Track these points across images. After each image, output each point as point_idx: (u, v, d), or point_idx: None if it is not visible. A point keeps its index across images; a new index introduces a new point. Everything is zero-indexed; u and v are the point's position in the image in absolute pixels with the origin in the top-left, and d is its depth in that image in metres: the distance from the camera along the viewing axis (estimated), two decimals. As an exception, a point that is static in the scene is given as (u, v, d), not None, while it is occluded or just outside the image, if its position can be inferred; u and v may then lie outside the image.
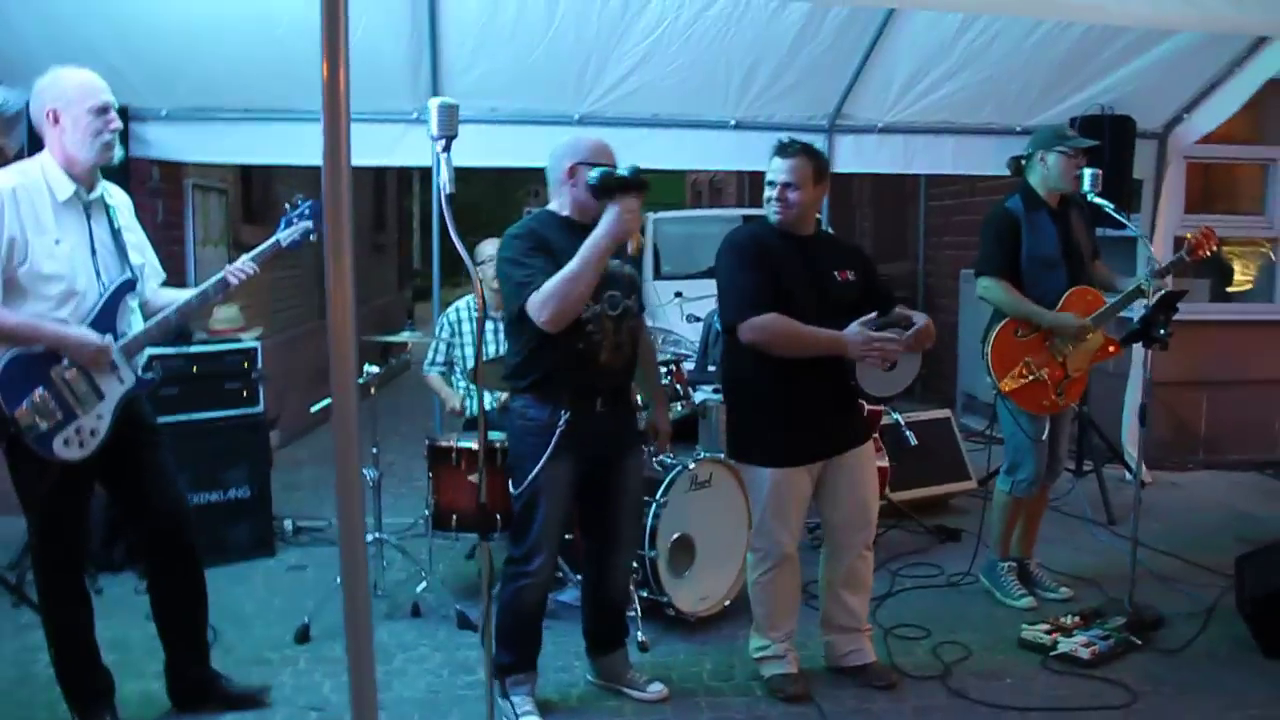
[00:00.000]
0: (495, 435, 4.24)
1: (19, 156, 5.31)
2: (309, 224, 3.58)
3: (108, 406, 3.23)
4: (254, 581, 4.91)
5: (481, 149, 5.86)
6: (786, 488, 3.65)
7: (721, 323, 3.68)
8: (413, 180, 15.90)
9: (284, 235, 3.54)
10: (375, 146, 5.74)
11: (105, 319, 3.23)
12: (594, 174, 3.28)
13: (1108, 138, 5.76)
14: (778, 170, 3.65)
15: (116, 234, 3.32)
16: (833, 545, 3.86)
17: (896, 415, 5.72)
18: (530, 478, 3.36)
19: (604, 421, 3.49)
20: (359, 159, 6.17)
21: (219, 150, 5.73)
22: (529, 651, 3.64)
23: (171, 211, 6.12)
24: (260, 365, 5.20)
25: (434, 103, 2.77)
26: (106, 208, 3.34)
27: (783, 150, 3.67)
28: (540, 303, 3.24)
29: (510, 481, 3.49)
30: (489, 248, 5.02)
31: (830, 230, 6.01)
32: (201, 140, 5.63)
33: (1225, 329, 7.03)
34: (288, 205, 3.61)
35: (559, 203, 3.52)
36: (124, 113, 5.42)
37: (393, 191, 14.34)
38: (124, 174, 5.50)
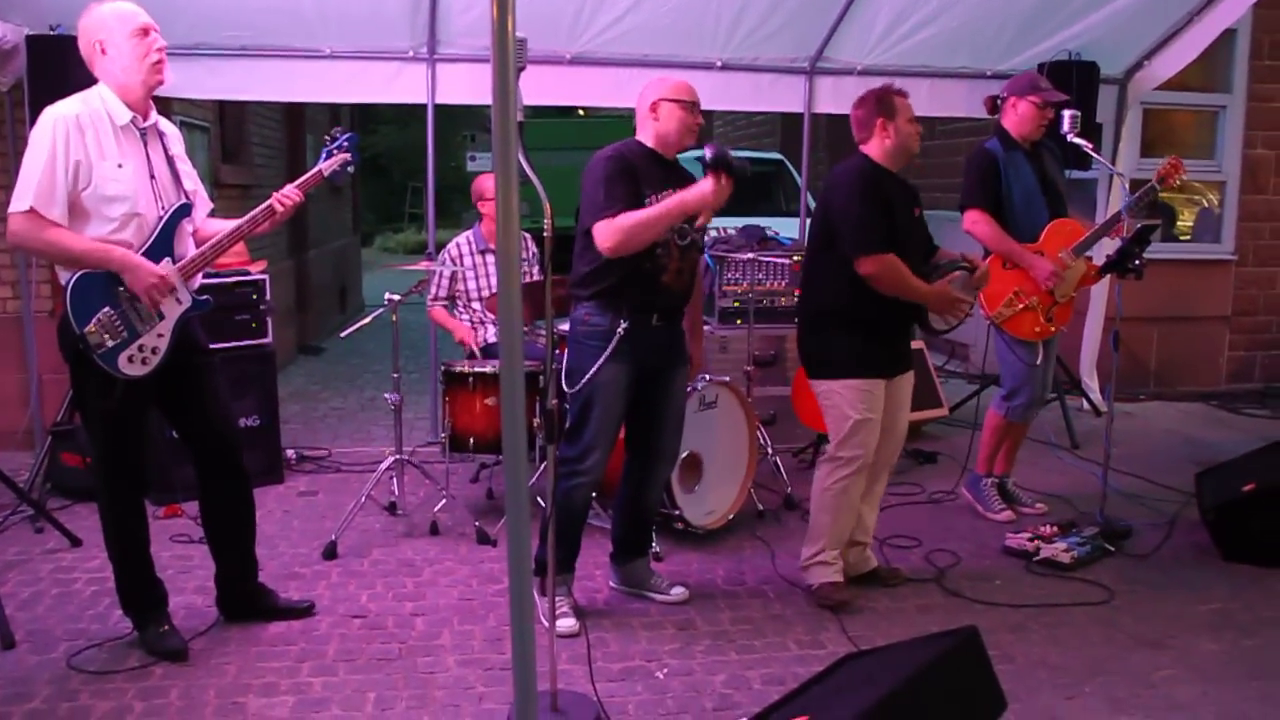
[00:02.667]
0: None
1: (16, 92, 5.32)
2: (348, 155, 3.74)
3: (168, 325, 3.37)
4: (269, 506, 5.04)
5: (475, 87, 5.97)
6: (875, 400, 3.88)
7: (842, 251, 3.80)
8: (370, 120, 15.75)
9: (325, 165, 3.70)
10: (372, 84, 5.81)
11: (163, 241, 3.35)
12: (712, 154, 3.45)
13: (1074, 84, 6.05)
14: (913, 110, 3.94)
15: (171, 161, 3.43)
16: (872, 466, 4.01)
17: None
18: (587, 378, 3.58)
19: (659, 335, 3.73)
20: (354, 96, 6.31)
21: (214, 87, 5.72)
22: (570, 552, 3.84)
23: (163, 148, 6.11)
24: (268, 297, 5.29)
25: None
26: (160, 135, 3.45)
27: (905, 94, 3.94)
28: (609, 232, 3.48)
29: (566, 383, 3.68)
30: (489, 182, 5.17)
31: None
32: (196, 77, 5.62)
33: (1174, 267, 7.42)
34: (327, 137, 3.76)
35: (644, 134, 3.74)
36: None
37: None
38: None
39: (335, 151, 3.72)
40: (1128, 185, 4.75)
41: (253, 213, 3.52)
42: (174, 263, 3.37)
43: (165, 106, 6.21)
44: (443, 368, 4.82)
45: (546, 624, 3.67)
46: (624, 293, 3.63)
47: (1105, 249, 5.49)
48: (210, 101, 7.11)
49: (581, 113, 21.24)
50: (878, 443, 3.92)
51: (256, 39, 5.56)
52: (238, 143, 8.09)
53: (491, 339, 5.27)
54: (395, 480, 4.87)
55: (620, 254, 3.51)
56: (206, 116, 7.13)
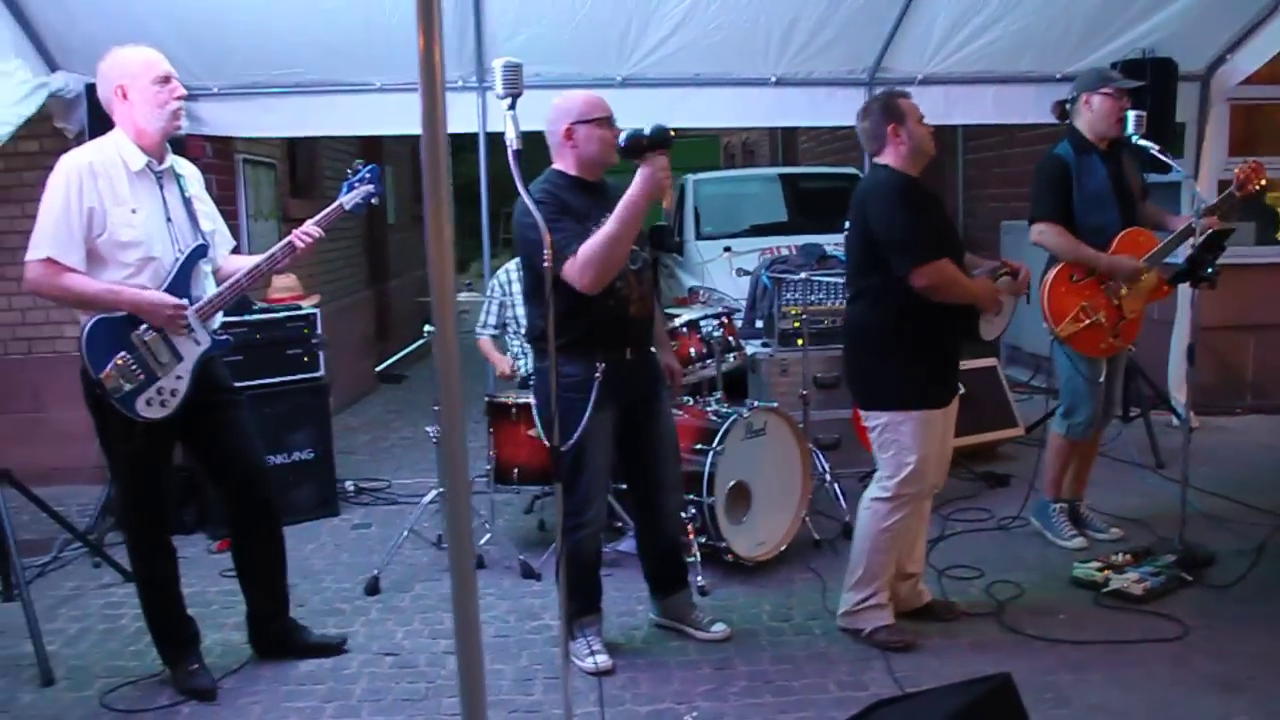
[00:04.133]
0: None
1: (79, 139, 5.48)
2: (370, 188, 3.70)
3: (186, 368, 3.38)
4: (321, 539, 5.08)
5: (527, 114, 5.93)
6: (936, 430, 3.69)
7: (895, 269, 3.58)
8: (455, 152, 15.97)
9: (347, 199, 3.66)
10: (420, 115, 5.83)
11: (180, 284, 3.37)
12: (622, 137, 3.30)
13: (1150, 81, 5.73)
14: (920, 110, 3.74)
15: (188, 202, 3.46)
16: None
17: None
18: (578, 433, 3.39)
19: (633, 368, 3.62)
20: (407, 128, 6.36)
21: (269, 124, 5.86)
22: (593, 595, 3.77)
23: (223, 186, 6.26)
24: (320, 331, 5.33)
25: (498, 63, 2.88)
26: (177, 177, 3.48)
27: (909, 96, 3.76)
28: (581, 267, 3.32)
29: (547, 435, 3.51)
30: None
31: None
32: (252, 116, 5.76)
33: (1272, 271, 6.97)
34: (349, 170, 3.73)
35: (564, 163, 3.56)
36: (177, 92, 5.60)
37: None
38: (179, 151, 5.67)
39: (357, 184, 3.69)
40: (1199, 189, 4.45)
41: (271, 250, 3.52)
42: (191, 304, 3.38)
43: (228, 145, 6.41)
44: (486, 399, 4.78)
45: (577, 664, 3.62)
46: (594, 338, 3.48)
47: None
48: (277, 138, 7.25)
49: (672, 133, 21.29)
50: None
51: (308, 75, 5.65)
52: (309, 177, 8.25)
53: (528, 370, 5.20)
54: (438, 514, 4.84)
55: (603, 283, 3.36)
56: (273, 153, 7.27)
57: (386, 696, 3.50)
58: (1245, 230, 7.03)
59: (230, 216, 6.36)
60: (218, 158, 6.18)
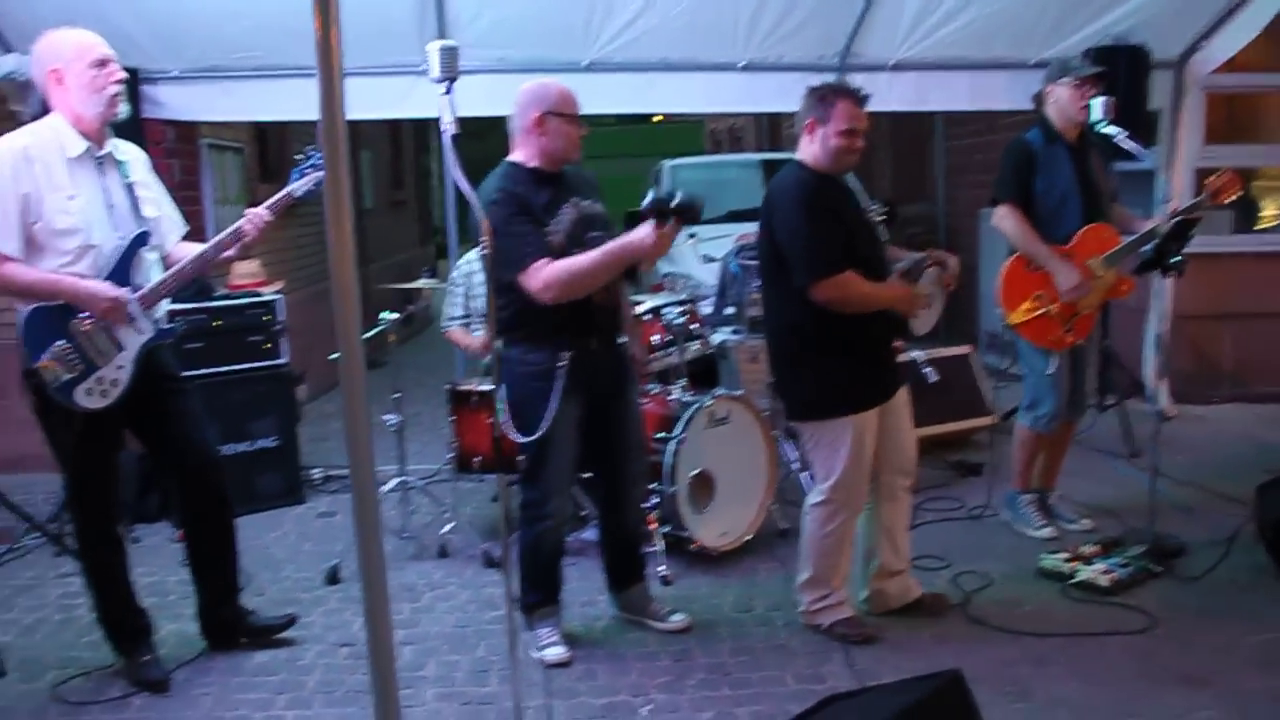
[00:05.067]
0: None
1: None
2: (322, 174, 3.61)
3: (128, 357, 3.30)
4: (285, 527, 5.01)
5: (492, 98, 5.86)
6: (868, 433, 3.57)
7: (795, 281, 3.47)
8: (429, 137, 15.90)
9: (296, 186, 3.58)
10: (384, 100, 5.75)
11: (121, 272, 3.28)
12: (649, 200, 3.26)
13: (1123, 68, 5.68)
14: (857, 118, 3.50)
15: (130, 188, 3.36)
16: (888, 488, 3.75)
17: (916, 352, 5.73)
18: (545, 421, 3.37)
19: (601, 359, 3.55)
20: (368, 112, 6.26)
21: (229, 108, 5.75)
22: (552, 588, 3.71)
23: (187, 171, 6.15)
24: (282, 318, 5.25)
25: (433, 46, 2.81)
26: (119, 163, 3.38)
27: (859, 99, 3.55)
28: (546, 283, 3.28)
29: (513, 425, 3.44)
30: None
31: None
32: (211, 99, 5.66)
33: (1249, 260, 6.93)
34: (299, 156, 3.65)
35: (525, 153, 3.48)
36: (134, 75, 5.49)
37: (410, 149, 14.33)
38: (138, 135, 5.57)
39: (308, 170, 3.60)
40: (1173, 178, 4.39)
41: (219, 237, 3.44)
42: (134, 293, 3.29)
43: (192, 130, 6.30)
44: (447, 387, 4.71)
45: (534, 655, 3.57)
46: (559, 328, 3.41)
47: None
48: (245, 122, 7.15)
49: (658, 118, 21.19)
50: (885, 457, 3.67)
51: (269, 59, 5.54)
52: (279, 162, 8.14)
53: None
54: (406, 502, 4.78)
55: (562, 301, 3.31)
56: (240, 138, 7.16)
57: (340, 688, 3.45)
58: (1222, 219, 6.99)
59: (194, 202, 6.29)
60: (181, 142, 6.07)
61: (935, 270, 3.69)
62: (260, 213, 3.46)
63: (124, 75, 3.30)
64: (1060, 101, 4.37)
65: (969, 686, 2.49)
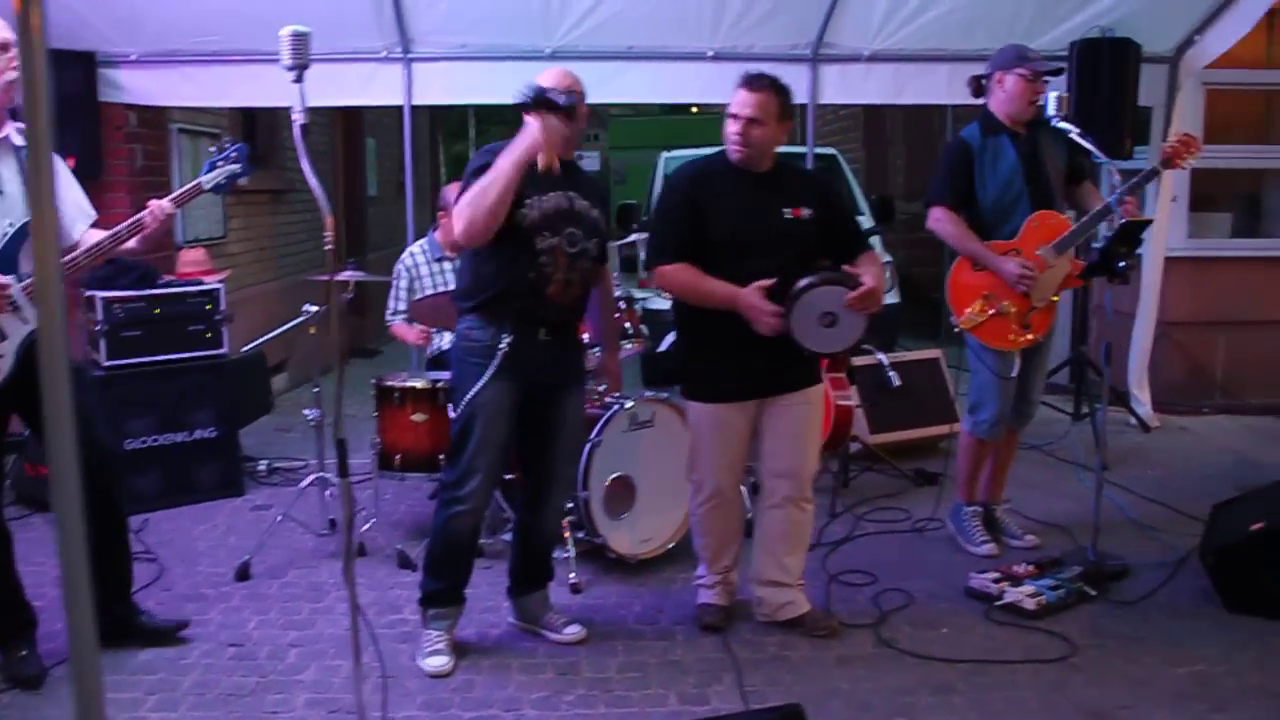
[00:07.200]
0: (442, 374, 4.26)
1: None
2: (236, 168, 3.56)
3: (10, 346, 3.23)
4: (216, 520, 4.95)
5: (453, 86, 5.77)
6: (715, 422, 3.61)
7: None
8: (435, 130, 15.91)
9: (206, 179, 3.51)
10: (345, 87, 5.68)
11: (6, 259, 3.22)
12: (520, 92, 3.23)
13: (1107, 62, 5.44)
14: (743, 104, 3.51)
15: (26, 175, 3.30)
16: (765, 493, 3.74)
17: (881, 356, 5.55)
18: (468, 397, 3.35)
19: (547, 350, 3.45)
20: (327, 99, 6.17)
21: (190, 94, 5.73)
22: (456, 582, 3.58)
23: (152, 157, 6.10)
24: (224, 307, 5.19)
25: (285, 31, 2.69)
26: (17, 149, 3.32)
27: (750, 83, 3.53)
28: (455, 214, 3.29)
29: (450, 406, 3.46)
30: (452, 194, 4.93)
31: (807, 165, 5.82)
32: (172, 84, 5.64)
33: (1247, 265, 6.63)
34: (213, 149, 3.60)
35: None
36: (91, 58, 5.47)
37: (425, 139, 14.29)
38: (95, 118, 5.56)
39: (221, 163, 3.52)
40: (1166, 179, 4.17)
41: (118, 228, 3.36)
42: (19, 280, 3.23)
43: (164, 115, 6.27)
44: (373, 382, 4.62)
45: (417, 662, 3.48)
46: (507, 305, 3.36)
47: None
48: (226, 107, 7.10)
49: (694, 110, 20.96)
50: (763, 458, 3.68)
51: (228, 44, 5.49)
52: (269, 147, 8.10)
53: (445, 345, 5.03)
54: (325, 499, 4.69)
55: (474, 232, 3.23)
56: (219, 123, 7.11)
57: (213, 690, 3.36)
58: (1221, 221, 6.71)
59: (160, 188, 6.24)
60: (145, 126, 6.02)
61: (842, 289, 3.45)
62: (163, 204, 3.39)
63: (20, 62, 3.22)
64: (1008, 90, 4.15)
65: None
